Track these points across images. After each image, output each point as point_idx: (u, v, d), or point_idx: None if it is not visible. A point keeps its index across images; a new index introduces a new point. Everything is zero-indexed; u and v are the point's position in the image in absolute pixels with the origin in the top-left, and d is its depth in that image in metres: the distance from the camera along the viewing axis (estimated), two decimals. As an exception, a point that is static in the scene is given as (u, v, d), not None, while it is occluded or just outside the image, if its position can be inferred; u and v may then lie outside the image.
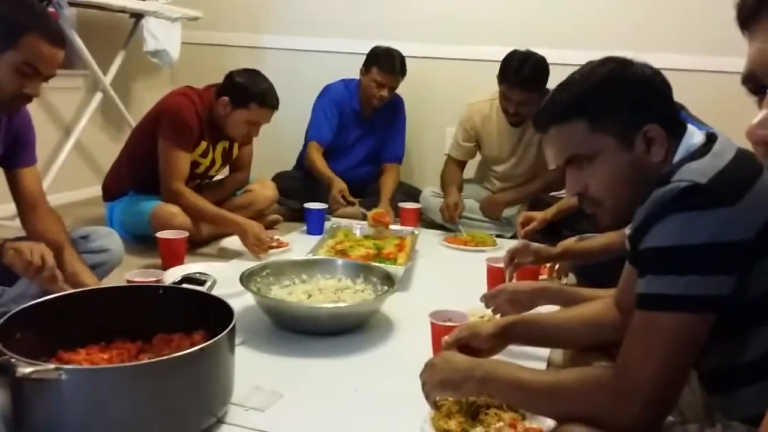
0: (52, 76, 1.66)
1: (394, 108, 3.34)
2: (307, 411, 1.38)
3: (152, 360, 1.24)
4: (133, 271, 1.91)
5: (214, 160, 2.77)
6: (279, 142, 3.58)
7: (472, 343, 1.33)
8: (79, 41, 3.26)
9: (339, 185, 3.04)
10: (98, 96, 3.45)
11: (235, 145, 2.85)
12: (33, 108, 3.29)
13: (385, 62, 3.13)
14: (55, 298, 1.37)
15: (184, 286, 1.47)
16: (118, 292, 1.51)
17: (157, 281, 1.87)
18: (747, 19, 0.73)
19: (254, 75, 2.64)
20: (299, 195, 2.99)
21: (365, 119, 3.32)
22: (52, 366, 1.10)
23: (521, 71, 2.73)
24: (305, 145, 3.26)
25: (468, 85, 3.33)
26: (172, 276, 2.06)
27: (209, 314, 1.35)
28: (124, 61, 3.54)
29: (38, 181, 1.88)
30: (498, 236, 2.91)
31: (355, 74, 3.25)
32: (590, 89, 1.12)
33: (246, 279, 1.84)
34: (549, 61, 2.78)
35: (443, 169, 3.14)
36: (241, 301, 1.81)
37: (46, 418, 1.13)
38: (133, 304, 1.44)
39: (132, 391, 1.13)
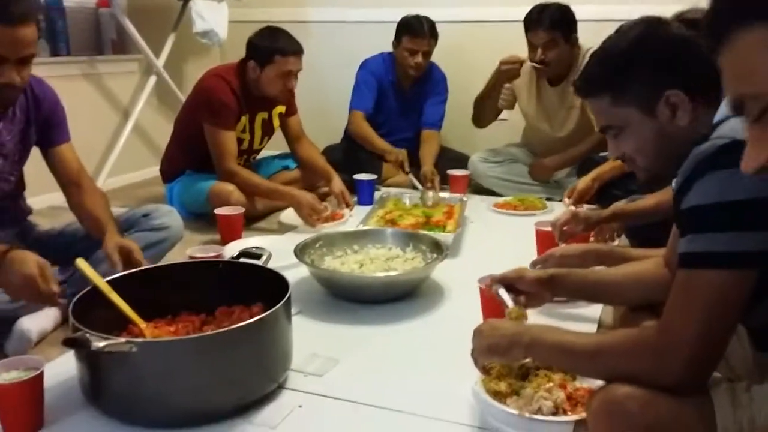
0: (27, 58, 1.56)
1: (432, 77, 3.34)
2: (362, 376, 1.44)
3: (216, 331, 1.29)
4: (194, 247, 2.00)
5: (254, 131, 2.84)
6: (324, 115, 3.64)
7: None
8: (131, 26, 3.37)
9: (393, 149, 3.10)
10: (152, 79, 3.57)
11: (275, 115, 2.90)
12: (91, 93, 3.47)
13: (414, 28, 3.14)
14: (124, 275, 1.45)
15: (242, 260, 1.53)
16: (182, 268, 1.59)
17: (217, 256, 1.95)
18: (718, 35, 0.75)
19: (268, 30, 2.72)
20: (348, 167, 3.04)
21: (404, 91, 3.34)
22: (123, 340, 1.17)
23: (542, 12, 2.78)
24: (349, 115, 3.30)
25: (507, 47, 3.30)
26: (230, 251, 2.15)
27: (267, 287, 1.41)
28: (175, 43, 3.63)
29: (76, 157, 1.89)
30: (548, 199, 2.90)
31: (390, 42, 3.26)
32: (613, 61, 1.16)
33: (300, 251, 1.91)
34: (589, 17, 2.76)
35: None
36: (296, 272, 1.89)
37: (119, 388, 1.21)
38: (195, 280, 1.51)
39: (198, 361, 1.19)
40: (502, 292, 1.38)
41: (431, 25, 3.15)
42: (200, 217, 2.61)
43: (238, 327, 1.23)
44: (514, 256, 1.89)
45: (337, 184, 2.77)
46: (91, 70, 3.40)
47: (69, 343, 1.15)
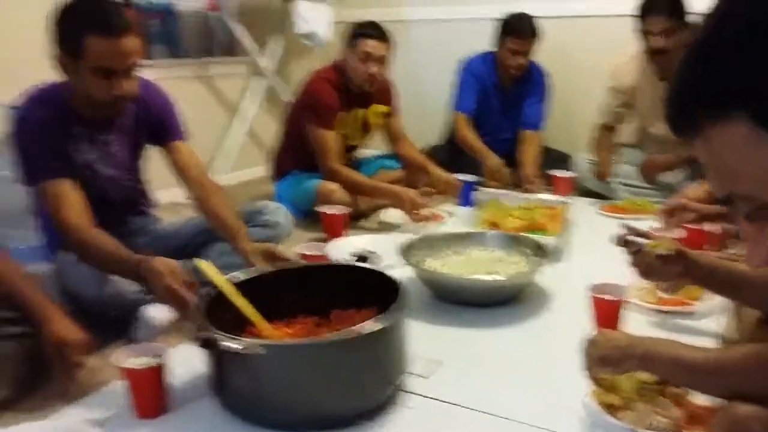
0: (132, 67, 1.63)
1: (532, 76, 3.28)
2: (467, 379, 1.44)
3: (341, 336, 1.27)
4: (300, 245, 2.06)
5: (349, 127, 2.89)
6: (424, 115, 3.65)
7: None
8: (240, 29, 3.51)
9: (494, 161, 3.06)
10: (260, 80, 3.70)
11: (370, 114, 2.93)
12: (202, 94, 3.63)
13: (517, 28, 3.10)
14: (245, 279, 1.48)
15: (355, 263, 1.58)
16: (296, 270, 1.61)
17: (322, 253, 2.02)
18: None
19: (362, 21, 2.79)
20: (449, 167, 3.04)
21: (505, 91, 3.30)
22: (252, 341, 1.20)
23: None
24: (451, 117, 3.29)
25: (610, 41, 3.19)
26: (335, 248, 2.22)
27: (378, 290, 1.42)
28: (281, 44, 3.75)
29: (193, 155, 1.95)
30: (659, 203, 2.78)
31: (491, 40, 3.22)
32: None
33: (404, 251, 1.93)
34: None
35: (594, 135, 3.05)
36: (398, 272, 1.90)
37: (245, 387, 1.24)
38: (309, 282, 1.54)
39: (322, 364, 1.21)
40: (635, 237, 1.35)
41: (534, 25, 3.10)
42: (307, 215, 2.69)
43: (365, 333, 1.23)
44: (621, 262, 1.83)
45: (436, 170, 2.86)
46: (202, 71, 3.57)
47: (201, 342, 1.19)
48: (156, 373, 1.30)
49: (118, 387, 1.33)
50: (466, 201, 2.84)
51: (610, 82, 2.97)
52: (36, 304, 1.40)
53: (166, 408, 1.33)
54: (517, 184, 3.01)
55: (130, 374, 1.29)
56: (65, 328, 1.37)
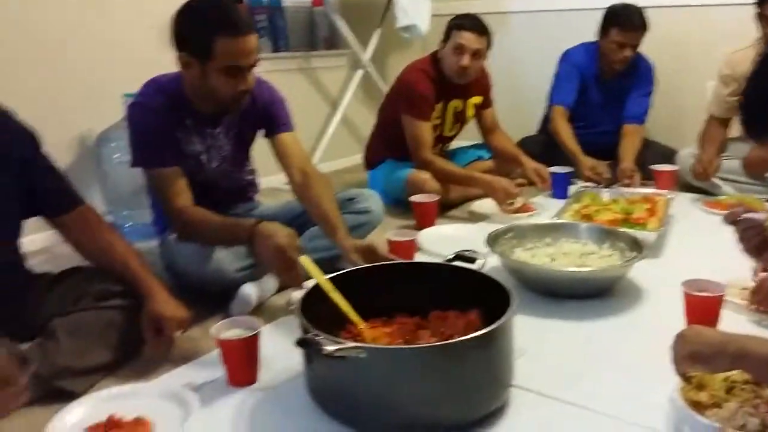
0: (255, 63, 1.72)
1: (636, 68, 3.13)
2: (551, 370, 1.43)
3: (446, 341, 1.24)
4: (391, 232, 2.10)
5: (445, 118, 2.89)
6: (520, 106, 3.60)
7: None
8: (341, 24, 3.60)
9: (588, 162, 2.97)
10: (359, 72, 3.78)
11: (469, 105, 2.93)
12: (305, 87, 3.75)
13: (624, 20, 2.96)
14: (342, 274, 1.46)
15: (456, 264, 1.50)
16: (395, 268, 1.56)
17: (411, 241, 2.05)
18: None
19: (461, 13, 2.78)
20: (544, 159, 2.98)
21: (607, 83, 3.18)
22: (353, 344, 1.15)
23: None
24: (549, 109, 3.23)
25: (723, 32, 3.00)
26: (424, 236, 2.25)
27: (480, 292, 1.37)
28: (380, 37, 3.81)
29: (298, 145, 2.02)
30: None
31: (594, 31, 3.12)
32: None
33: (491, 241, 1.93)
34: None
35: (703, 127, 2.89)
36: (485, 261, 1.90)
37: (346, 389, 1.20)
38: (408, 281, 1.49)
39: (426, 370, 1.15)
40: (749, 214, 1.35)
41: (641, 14, 2.97)
42: (399, 204, 2.74)
43: (468, 338, 1.17)
44: (723, 260, 1.75)
45: (529, 161, 2.81)
46: (305, 64, 3.69)
47: (301, 343, 1.17)
48: (248, 345, 1.38)
49: (215, 356, 1.42)
50: (559, 193, 2.79)
51: (724, 70, 2.80)
52: (142, 279, 1.52)
53: (254, 380, 1.41)
54: (615, 179, 2.91)
55: (224, 345, 1.37)
56: (165, 304, 1.48)
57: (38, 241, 2.26)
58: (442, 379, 1.16)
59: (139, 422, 1.24)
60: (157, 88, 1.83)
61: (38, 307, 1.50)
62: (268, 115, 1.99)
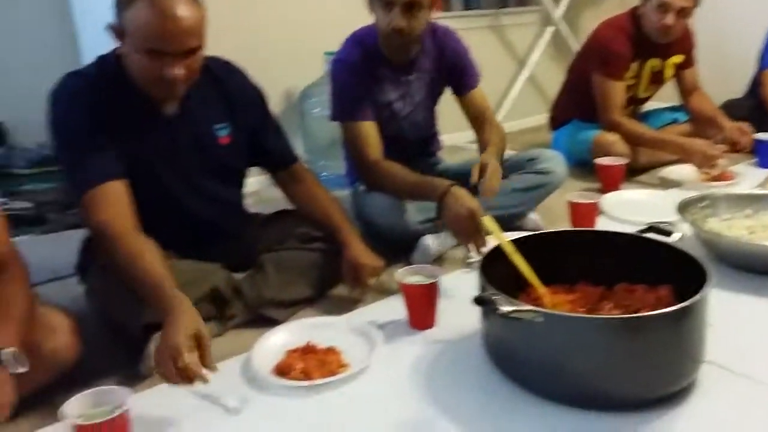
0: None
1: None
2: (745, 348, 1.36)
3: (637, 315, 1.19)
4: (573, 193, 2.08)
5: (640, 78, 2.74)
6: (726, 66, 3.30)
7: None
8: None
9: None
10: (549, 29, 3.69)
11: (668, 66, 2.75)
12: (493, 44, 3.73)
13: None
14: (525, 237, 1.43)
15: (650, 236, 1.43)
16: (583, 235, 1.54)
17: (594, 204, 2.02)
18: None
19: None
20: (752, 125, 2.73)
21: None
22: (529, 307, 1.14)
23: None
24: (759, 72, 2.93)
25: None
26: (608, 201, 2.20)
27: (674, 267, 1.31)
28: (574, -8, 3.68)
29: (485, 99, 2.12)
30: None
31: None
32: None
33: (682, 208, 1.84)
34: None
35: None
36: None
37: (521, 351, 1.21)
38: (597, 249, 1.44)
39: (602, 341, 1.12)
40: None
41: None
42: (583, 166, 2.68)
43: (650, 314, 1.13)
44: None
45: (729, 123, 2.63)
46: (495, 22, 3.67)
47: (478, 301, 1.18)
48: (429, 291, 1.48)
49: (398, 299, 1.54)
50: (764, 161, 2.55)
51: None
52: (342, 230, 1.69)
53: (434, 323, 1.51)
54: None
55: (407, 289, 1.49)
56: (362, 253, 1.64)
57: (250, 185, 2.54)
58: (627, 354, 1.12)
59: (331, 350, 1.40)
60: (355, 42, 1.98)
61: (251, 243, 1.72)
62: (458, 67, 2.08)
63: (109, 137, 1.42)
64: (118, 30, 1.38)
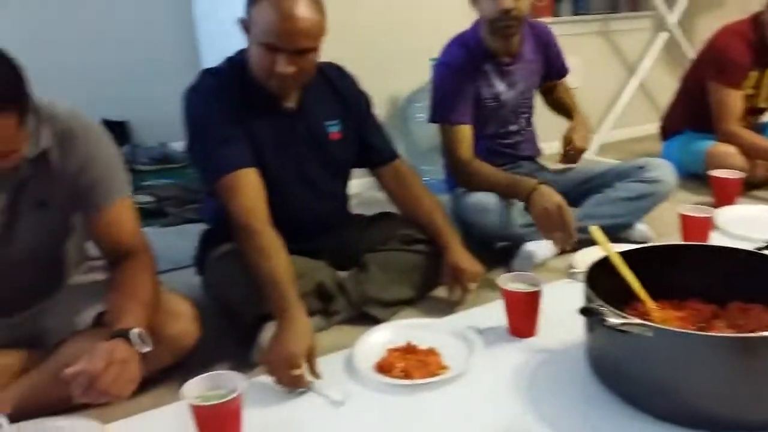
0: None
1: None
2: None
3: (745, 335, 1.15)
4: (685, 206, 1.99)
5: (760, 88, 2.61)
6: None
7: None
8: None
9: None
10: (663, 35, 3.55)
11: None
12: (603, 50, 3.65)
13: None
14: (633, 249, 1.40)
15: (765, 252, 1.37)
16: (696, 250, 1.48)
17: (707, 219, 1.93)
18: None
19: None
20: None
21: None
22: (639, 321, 1.12)
23: None
24: None
25: None
26: (723, 215, 2.11)
27: None
28: (689, -3, 3.53)
29: (570, 91, 2.26)
30: None
31: None
32: None
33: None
34: None
35: None
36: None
37: (627, 366, 1.18)
38: (710, 265, 1.39)
39: (718, 361, 1.08)
40: None
41: None
42: (695, 178, 2.57)
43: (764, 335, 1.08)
44: None
45: None
46: (605, 27, 3.58)
47: (585, 312, 1.17)
48: (531, 299, 1.48)
49: (498, 305, 1.54)
50: None
51: None
52: (444, 233, 1.72)
53: (535, 332, 1.50)
54: None
55: (509, 296, 1.49)
56: (463, 258, 1.68)
57: (353, 187, 2.61)
58: (743, 375, 1.08)
59: (431, 351, 1.42)
60: (457, 44, 2.05)
61: (353, 243, 1.78)
62: (555, 58, 2.18)
63: (239, 129, 1.53)
64: (245, 23, 1.50)
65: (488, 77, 2.05)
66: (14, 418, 1.14)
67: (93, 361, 1.11)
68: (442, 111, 2.02)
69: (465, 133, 1.99)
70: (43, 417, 1.24)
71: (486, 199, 1.92)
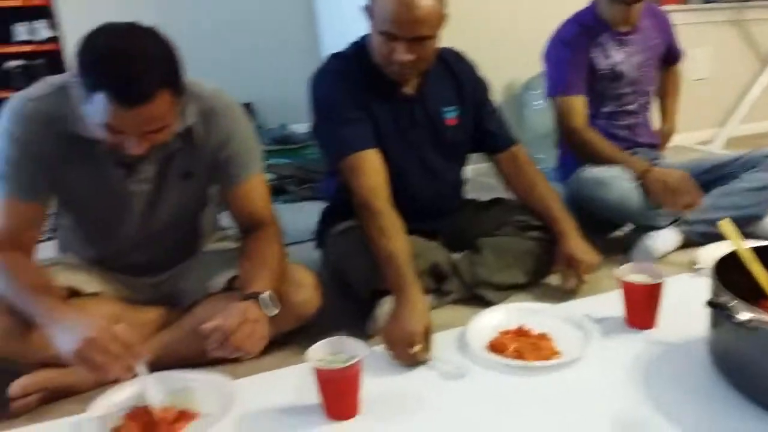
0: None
1: None
2: None
3: None
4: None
5: None
6: None
7: None
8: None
9: None
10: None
11: None
12: (734, 40, 3.46)
13: None
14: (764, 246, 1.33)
15: None
16: None
17: None
18: None
19: None
20: None
21: None
22: None
23: None
24: None
25: None
26: None
27: None
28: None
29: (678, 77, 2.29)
30: None
31: None
32: None
33: None
34: None
35: None
36: None
37: (755, 363, 1.14)
38: None
39: None
40: None
41: None
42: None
43: None
44: None
45: None
46: (738, 16, 3.38)
47: (713, 305, 1.16)
48: (653, 291, 1.43)
49: (615, 295, 1.51)
50: None
51: None
52: (560, 221, 1.70)
53: (654, 324, 1.46)
54: None
55: (627, 287, 1.45)
56: (579, 247, 1.65)
57: (466, 172, 2.63)
58: None
59: (543, 336, 1.43)
60: (572, 21, 2.05)
61: (466, 227, 1.80)
62: (671, 37, 2.16)
63: (363, 112, 1.59)
64: (369, 10, 1.54)
65: (605, 48, 2.03)
66: (152, 368, 1.25)
67: (229, 319, 1.20)
68: (555, 83, 2.03)
69: (578, 102, 2.00)
70: (178, 369, 1.35)
71: (605, 172, 1.88)
